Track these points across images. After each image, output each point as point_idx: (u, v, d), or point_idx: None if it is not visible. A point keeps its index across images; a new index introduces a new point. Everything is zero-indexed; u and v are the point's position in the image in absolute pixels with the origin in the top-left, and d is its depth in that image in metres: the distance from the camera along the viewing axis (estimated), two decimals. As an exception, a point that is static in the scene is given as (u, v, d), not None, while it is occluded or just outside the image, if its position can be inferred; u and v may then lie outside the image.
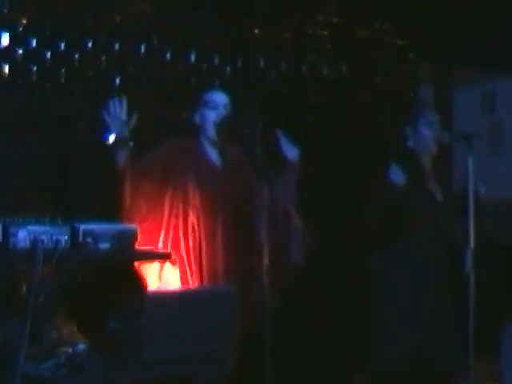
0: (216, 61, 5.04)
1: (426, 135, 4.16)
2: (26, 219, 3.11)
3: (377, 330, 4.11)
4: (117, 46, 4.69)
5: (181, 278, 3.72)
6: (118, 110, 3.56)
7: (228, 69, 5.08)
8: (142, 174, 3.69)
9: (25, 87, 4.42)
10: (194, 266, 3.74)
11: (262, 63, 5.22)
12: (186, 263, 3.73)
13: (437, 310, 4.09)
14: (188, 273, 3.73)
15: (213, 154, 3.87)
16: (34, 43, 4.45)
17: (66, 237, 3.11)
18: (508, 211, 6.21)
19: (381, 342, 4.09)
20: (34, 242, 3.02)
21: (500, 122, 6.95)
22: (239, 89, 4.88)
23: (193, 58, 4.96)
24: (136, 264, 3.67)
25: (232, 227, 3.79)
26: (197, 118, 3.88)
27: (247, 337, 3.47)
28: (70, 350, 3.12)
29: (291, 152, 3.83)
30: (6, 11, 4.37)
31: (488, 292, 4.17)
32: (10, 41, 4.38)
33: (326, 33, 5.50)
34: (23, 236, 3.04)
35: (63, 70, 4.52)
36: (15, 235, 3.03)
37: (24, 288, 3.17)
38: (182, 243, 3.74)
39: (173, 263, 3.71)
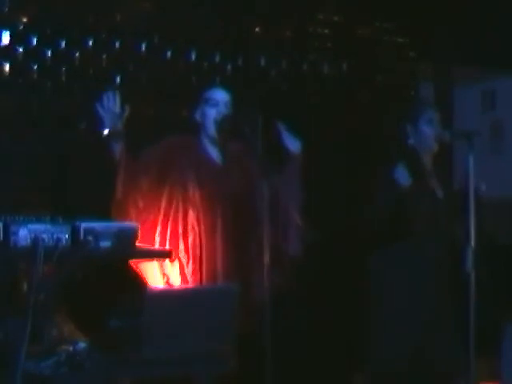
0: (217, 59, 5.04)
1: (427, 133, 4.15)
2: (26, 218, 3.11)
3: (377, 330, 4.11)
4: (117, 45, 4.69)
5: (180, 275, 3.73)
6: (112, 103, 3.58)
7: (229, 67, 5.08)
8: (140, 170, 3.70)
9: (25, 86, 4.42)
10: (193, 264, 3.74)
11: (262, 61, 5.22)
12: (185, 261, 3.73)
13: (437, 310, 4.08)
14: (186, 270, 3.73)
15: (213, 152, 3.87)
16: (34, 42, 4.45)
17: (67, 235, 3.10)
18: (509, 210, 6.21)
19: (381, 342, 4.08)
20: (35, 241, 3.02)
21: (501, 120, 6.94)
22: (240, 87, 4.88)
23: (193, 56, 4.96)
24: (137, 262, 3.68)
25: (232, 225, 3.79)
26: (197, 116, 3.88)
27: (247, 337, 3.47)
28: (71, 349, 3.12)
29: (293, 144, 3.83)
30: (6, 10, 4.38)
31: (489, 291, 4.17)
32: (11, 39, 4.39)
33: (326, 31, 5.50)
34: (24, 234, 3.03)
35: (64, 69, 4.52)
36: (16, 234, 3.02)
37: (25, 286, 3.17)
38: (181, 241, 3.74)
39: (172, 261, 3.71)
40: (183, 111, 4.49)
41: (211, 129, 3.82)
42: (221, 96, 3.86)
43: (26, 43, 4.43)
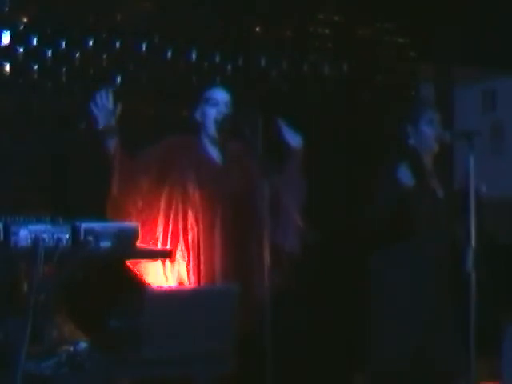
0: (217, 59, 5.04)
1: (428, 133, 4.15)
2: (27, 218, 3.12)
3: (377, 330, 4.11)
4: (118, 45, 4.69)
5: (180, 275, 3.73)
6: (105, 100, 3.60)
7: (229, 67, 5.08)
8: (140, 170, 3.70)
9: (25, 86, 4.42)
10: (193, 264, 3.74)
11: (263, 61, 5.22)
12: (186, 261, 3.73)
13: (437, 310, 4.08)
14: (187, 271, 3.73)
15: (213, 152, 3.87)
16: (34, 42, 4.45)
17: (67, 235, 3.10)
18: (509, 210, 6.21)
19: (381, 342, 4.08)
20: (35, 241, 3.02)
21: (501, 120, 6.95)
22: (240, 87, 4.88)
23: (194, 56, 4.96)
24: (137, 262, 3.68)
25: (232, 225, 3.79)
26: (197, 116, 3.88)
27: (247, 337, 3.47)
28: (71, 349, 3.12)
29: (294, 140, 3.83)
30: (6, 10, 4.38)
31: (489, 291, 4.17)
32: (11, 39, 4.39)
33: (327, 31, 5.49)
34: (24, 235, 3.04)
35: (64, 69, 4.52)
36: (16, 234, 3.03)
37: (25, 287, 3.18)
38: (181, 241, 3.74)
39: (172, 261, 3.71)
40: (183, 111, 4.49)
41: (211, 129, 3.82)
42: (221, 96, 3.86)
43: (27, 43, 4.43)
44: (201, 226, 3.74)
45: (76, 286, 3.35)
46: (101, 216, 3.50)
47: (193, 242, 3.74)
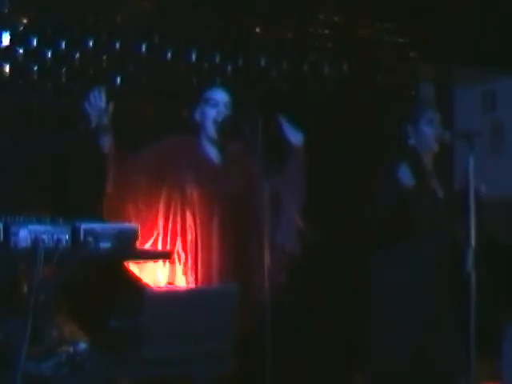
0: (217, 59, 5.04)
1: (428, 134, 4.16)
2: (26, 218, 3.11)
3: (377, 330, 4.11)
4: (118, 45, 4.69)
5: (180, 276, 3.73)
6: (98, 99, 3.60)
7: (229, 67, 5.08)
8: (139, 170, 3.70)
9: (25, 86, 4.42)
10: (192, 264, 3.74)
11: (263, 62, 5.22)
12: (185, 261, 3.74)
13: (437, 310, 4.08)
14: (186, 271, 3.73)
15: (212, 152, 3.87)
16: (34, 42, 4.45)
17: (67, 236, 3.10)
18: (509, 210, 6.22)
19: (381, 342, 4.09)
20: (35, 242, 3.02)
21: (501, 120, 6.96)
22: (240, 87, 4.88)
23: (194, 56, 4.96)
24: (137, 263, 3.68)
25: (232, 225, 3.79)
26: (197, 116, 3.88)
27: (247, 337, 3.47)
28: (71, 349, 3.12)
29: (295, 137, 3.83)
30: (6, 10, 4.38)
31: (489, 291, 4.17)
32: (11, 40, 4.39)
33: (327, 31, 5.50)
34: (24, 235, 3.03)
35: (64, 69, 4.52)
36: (16, 234, 3.02)
37: (25, 287, 3.17)
38: (180, 241, 3.74)
39: (171, 262, 3.71)
40: (183, 111, 4.49)
41: (211, 129, 3.82)
42: (221, 96, 3.86)
43: (26, 44, 4.43)
44: (201, 227, 3.74)
45: (76, 287, 3.35)
46: (101, 217, 3.50)
47: (191, 242, 3.74)
